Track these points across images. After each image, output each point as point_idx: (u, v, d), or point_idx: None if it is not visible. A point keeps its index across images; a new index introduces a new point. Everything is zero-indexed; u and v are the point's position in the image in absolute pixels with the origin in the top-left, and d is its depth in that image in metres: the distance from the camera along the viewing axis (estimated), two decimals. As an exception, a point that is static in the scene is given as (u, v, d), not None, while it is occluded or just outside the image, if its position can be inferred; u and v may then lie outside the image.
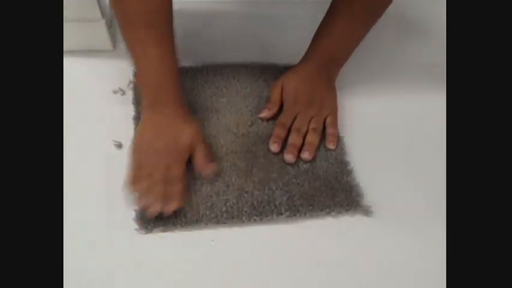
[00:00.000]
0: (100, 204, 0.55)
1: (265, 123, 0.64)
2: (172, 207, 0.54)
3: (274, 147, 0.60)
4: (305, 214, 0.57)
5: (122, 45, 0.70)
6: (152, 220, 0.54)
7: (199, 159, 0.57)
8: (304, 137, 0.62)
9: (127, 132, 0.61)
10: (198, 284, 0.51)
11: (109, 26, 0.69)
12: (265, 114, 0.64)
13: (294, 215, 0.56)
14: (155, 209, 0.53)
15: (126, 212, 0.55)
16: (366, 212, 0.58)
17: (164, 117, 0.57)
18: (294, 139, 0.60)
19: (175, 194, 0.55)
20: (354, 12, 0.60)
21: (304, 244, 0.55)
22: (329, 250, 0.55)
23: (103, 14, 0.66)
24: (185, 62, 0.70)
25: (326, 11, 0.63)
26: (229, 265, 0.53)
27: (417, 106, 0.70)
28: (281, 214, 0.56)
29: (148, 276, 0.51)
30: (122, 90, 0.66)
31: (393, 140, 0.66)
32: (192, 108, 0.64)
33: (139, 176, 0.55)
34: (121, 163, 0.57)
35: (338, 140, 0.63)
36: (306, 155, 0.60)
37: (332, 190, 0.59)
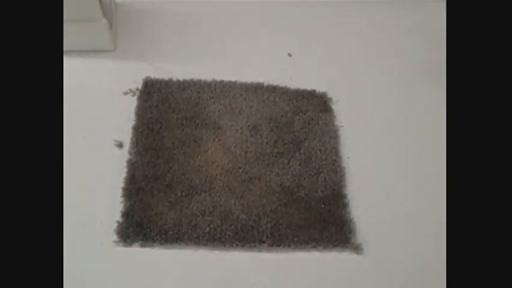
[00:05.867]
0: (100, 204, 0.55)
1: (264, 144, 0.62)
2: None
3: None
4: (289, 245, 0.54)
5: (123, 45, 0.72)
6: (131, 234, 0.53)
7: None
8: None
9: (127, 131, 0.61)
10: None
11: (110, 26, 0.69)
12: None
13: (278, 245, 0.54)
14: None
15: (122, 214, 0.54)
16: (356, 249, 0.55)
17: None
18: None
19: None
20: None
21: (284, 278, 0.53)
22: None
23: (105, 14, 0.66)
24: (193, 75, 0.69)
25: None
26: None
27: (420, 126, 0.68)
28: (263, 242, 0.54)
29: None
30: (132, 91, 0.67)
31: (394, 170, 0.63)
32: (193, 123, 0.64)
33: None
34: (122, 162, 0.58)
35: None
36: None
37: (322, 223, 0.56)
